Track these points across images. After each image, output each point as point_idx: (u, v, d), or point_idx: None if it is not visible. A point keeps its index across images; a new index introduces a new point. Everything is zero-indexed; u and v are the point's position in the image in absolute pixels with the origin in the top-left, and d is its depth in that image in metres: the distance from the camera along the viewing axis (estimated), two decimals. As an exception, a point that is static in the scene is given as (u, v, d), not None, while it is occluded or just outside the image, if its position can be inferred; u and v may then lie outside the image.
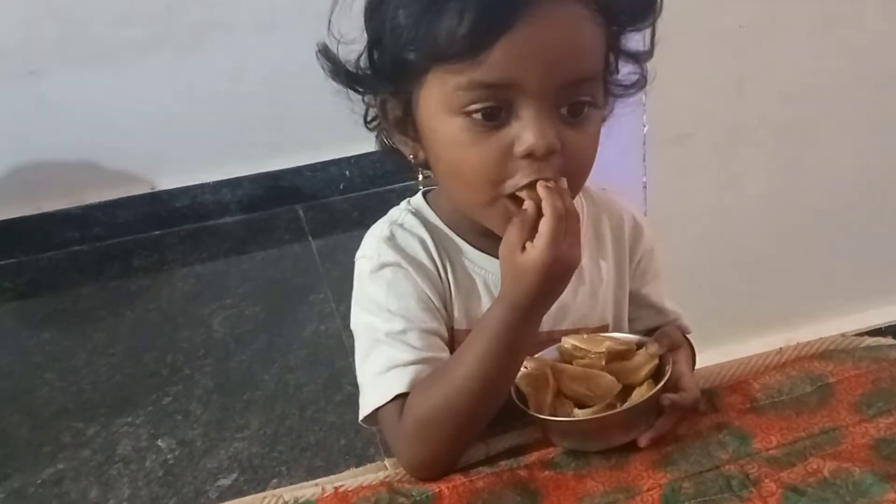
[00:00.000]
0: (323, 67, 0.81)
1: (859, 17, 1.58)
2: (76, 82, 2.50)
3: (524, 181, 0.76)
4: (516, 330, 0.78)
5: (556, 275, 0.75)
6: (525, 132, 0.74)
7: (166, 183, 2.71)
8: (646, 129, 1.54)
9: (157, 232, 2.70)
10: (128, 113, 2.54)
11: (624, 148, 1.55)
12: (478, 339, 0.79)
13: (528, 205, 0.76)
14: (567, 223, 0.74)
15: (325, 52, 0.80)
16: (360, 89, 0.82)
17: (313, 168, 2.77)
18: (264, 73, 2.54)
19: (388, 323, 0.84)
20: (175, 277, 2.52)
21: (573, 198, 0.78)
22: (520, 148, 0.74)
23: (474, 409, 0.79)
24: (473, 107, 0.74)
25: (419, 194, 0.92)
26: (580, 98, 0.76)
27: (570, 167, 0.77)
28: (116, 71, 2.51)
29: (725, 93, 1.57)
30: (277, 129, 2.65)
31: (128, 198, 2.68)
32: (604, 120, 0.83)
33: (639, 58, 0.82)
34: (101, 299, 2.44)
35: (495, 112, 0.74)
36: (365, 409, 0.85)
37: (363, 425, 0.87)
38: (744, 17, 1.52)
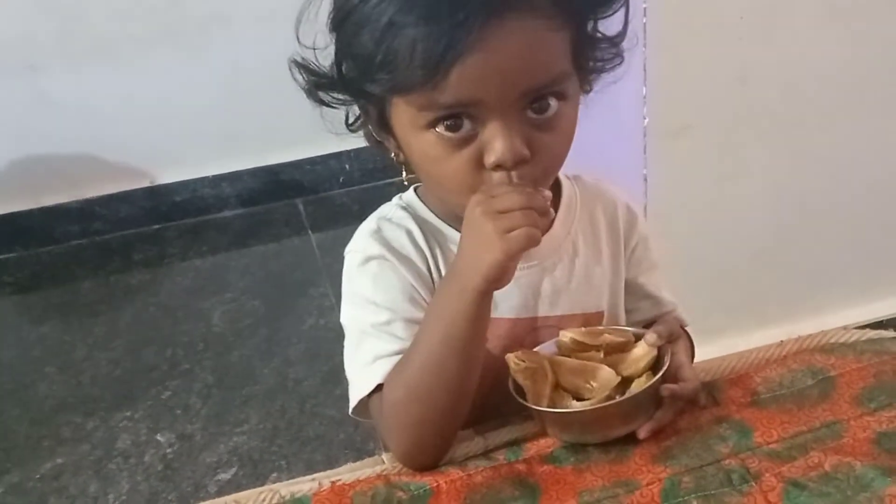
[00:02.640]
0: (298, 82, 0.82)
1: (862, 7, 1.57)
2: (76, 77, 2.50)
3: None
4: (464, 296, 0.77)
5: (518, 254, 0.75)
6: (492, 143, 0.74)
7: (166, 177, 2.71)
8: (646, 121, 1.53)
9: (157, 226, 2.70)
10: (127, 107, 2.54)
11: (624, 140, 1.54)
12: (427, 317, 0.81)
13: (496, 177, 0.76)
14: (532, 210, 0.74)
15: (298, 65, 0.81)
16: (338, 98, 0.82)
17: (313, 162, 2.77)
18: (263, 66, 2.51)
19: (374, 315, 0.86)
20: (175, 271, 2.52)
21: (549, 182, 0.81)
22: (489, 160, 0.75)
23: (438, 387, 0.79)
24: (438, 122, 0.75)
25: (411, 189, 0.93)
26: (545, 98, 0.76)
27: (543, 168, 0.78)
28: (116, 65, 2.51)
29: (727, 85, 1.56)
30: (277, 123, 2.63)
31: (127, 192, 2.68)
32: (586, 93, 0.84)
33: (612, 41, 0.82)
34: (100, 293, 2.44)
35: (459, 124, 0.75)
36: (352, 400, 0.86)
37: (354, 417, 0.88)
38: (745, 8, 1.51)
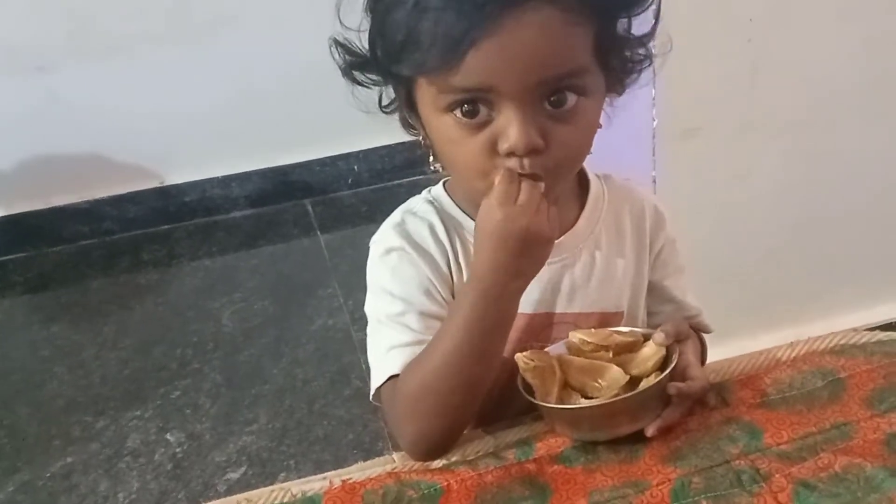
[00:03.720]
0: (336, 60, 0.83)
1: (871, 9, 1.56)
2: (85, 77, 2.50)
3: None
4: (485, 303, 0.79)
5: (520, 247, 0.76)
6: (507, 130, 0.75)
7: (175, 177, 2.72)
8: (655, 122, 1.53)
9: (167, 226, 2.71)
10: (137, 108, 2.54)
11: (634, 142, 1.54)
12: (452, 314, 0.82)
13: (504, 175, 0.77)
14: (541, 201, 0.76)
15: (338, 44, 0.83)
16: (371, 79, 0.83)
17: (322, 163, 2.78)
18: (273, 67, 2.54)
19: (390, 305, 0.87)
20: (184, 272, 2.52)
21: (565, 181, 0.82)
22: (503, 146, 0.76)
23: (456, 383, 0.80)
24: (456, 106, 0.77)
25: (440, 184, 0.94)
26: (562, 92, 0.76)
27: (556, 160, 0.78)
28: (125, 66, 2.51)
29: (736, 86, 1.56)
30: (286, 124, 2.65)
31: (137, 192, 2.69)
32: (612, 99, 0.85)
33: (640, 41, 0.82)
34: (110, 293, 2.45)
35: (475, 109, 0.76)
36: (372, 388, 0.88)
37: (374, 403, 0.89)
38: (755, 9, 1.51)
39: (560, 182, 0.81)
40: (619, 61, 0.82)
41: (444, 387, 0.80)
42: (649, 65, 0.84)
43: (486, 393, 0.84)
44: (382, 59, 0.79)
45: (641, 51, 0.83)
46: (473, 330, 0.79)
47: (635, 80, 0.85)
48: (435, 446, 0.83)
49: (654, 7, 0.80)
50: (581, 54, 0.76)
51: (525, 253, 0.77)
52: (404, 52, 0.76)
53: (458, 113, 0.77)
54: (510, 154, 0.76)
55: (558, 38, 0.74)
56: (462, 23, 0.71)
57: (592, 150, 0.89)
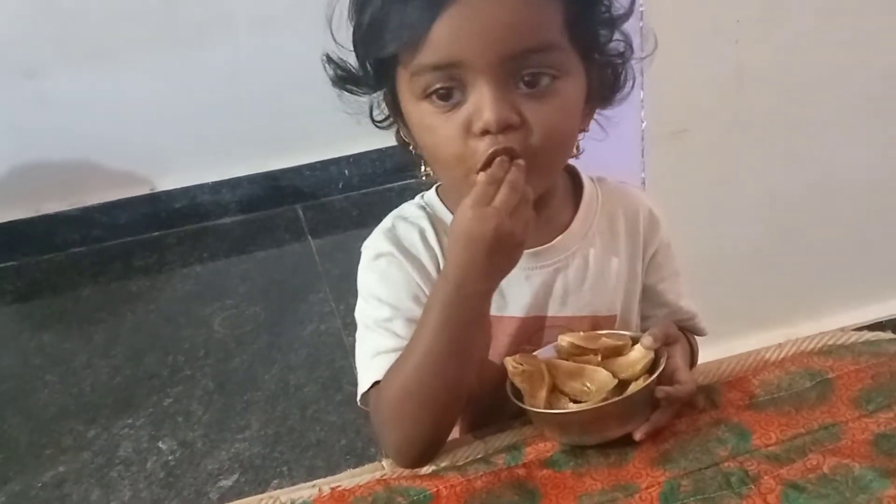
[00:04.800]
0: (328, 75, 0.84)
1: (858, 10, 1.57)
2: (74, 81, 2.50)
3: (484, 157, 0.76)
4: (455, 303, 0.78)
5: (487, 248, 0.75)
6: (480, 109, 0.75)
7: (166, 183, 2.71)
8: (644, 124, 1.53)
9: (157, 233, 2.71)
10: (127, 114, 2.54)
11: (623, 143, 1.55)
12: (424, 315, 0.81)
13: (481, 177, 0.76)
14: (519, 199, 0.75)
15: (330, 60, 0.83)
16: (362, 90, 0.84)
17: (312, 167, 2.78)
18: (263, 72, 2.54)
19: (378, 310, 0.87)
20: (175, 278, 2.52)
21: (549, 169, 0.80)
22: (476, 125, 0.76)
23: (433, 385, 0.80)
24: (429, 90, 0.77)
25: (433, 189, 0.94)
26: (534, 69, 0.76)
27: (535, 140, 0.77)
28: (114, 70, 2.51)
29: (723, 88, 1.57)
30: (276, 129, 2.64)
31: (127, 199, 2.69)
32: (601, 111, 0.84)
33: (612, 23, 0.82)
34: (101, 301, 2.45)
35: (449, 92, 0.76)
36: (358, 393, 0.88)
37: (362, 407, 0.89)
38: (742, 11, 1.51)
39: (542, 174, 0.80)
40: (597, 48, 0.81)
41: (422, 389, 0.80)
42: (630, 59, 0.84)
43: (472, 397, 0.84)
44: (362, 52, 0.80)
45: (619, 38, 0.83)
46: (444, 330, 0.79)
47: (623, 89, 0.85)
48: (419, 452, 0.83)
49: None
50: (550, 30, 0.76)
51: (493, 254, 0.76)
52: (378, 35, 0.77)
53: (434, 97, 0.77)
54: (485, 132, 0.76)
55: (523, 11, 0.74)
56: None
57: (581, 152, 0.89)
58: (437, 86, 0.76)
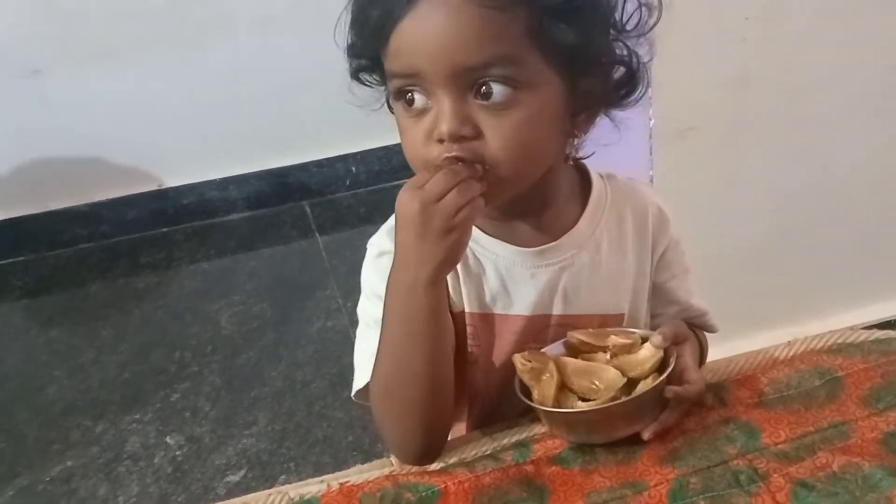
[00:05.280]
0: (349, 67, 0.85)
1: (865, 10, 1.56)
2: (82, 81, 2.50)
3: (438, 161, 0.77)
4: (403, 294, 0.79)
5: (416, 231, 0.76)
6: (438, 118, 0.76)
7: (173, 180, 2.71)
8: (652, 123, 1.53)
9: (165, 229, 2.71)
10: (134, 110, 2.54)
11: (631, 142, 1.53)
12: (386, 315, 0.82)
13: (436, 150, 0.77)
14: (459, 188, 0.75)
15: (350, 49, 0.84)
16: (376, 80, 0.85)
17: (319, 164, 2.77)
18: (270, 69, 2.54)
19: (377, 309, 0.86)
20: (182, 274, 2.52)
21: (515, 180, 0.79)
22: (434, 132, 0.77)
23: (404, 381, 0.81)
24: (400, 94, 0.78)
25: None
26: (490, 81, 0.75)
27: (492, 151, 0.76)
28: (121, 68, 2.51)
29: (731, 86, 1.56)
30: (284, 126, 2.64)
31: (135, 195, 2.69)
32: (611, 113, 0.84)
33: (589, 34, 0.78)
34: (108, 297, 2.45)
35: (412, 98, 0.77)
36: (353, 388, 0.89)
37: (356, 400, 0.90)
38: (750, 9, 1.51)
39: (506, 183, 0.78)
40: (576, 59, 0.78)
41: (396, 385, 0.81)
42: (636, 59, 0.82)
43: (481, 394, 0.84)
44: (351, 53, 0.82)
45: (610, 48, 0.80)
46: (400, 323, 0.80)
47: (635, 92, 0.83)
48: (418, 448, 0.83)
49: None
50: (506, 43, 0.74)
51: (423, 238, 0.76)
52: (356, 37, 0.80)
53: (403, 101, 0.78)
54: (441, 140, 0.76)
55: (474, 23, 0.73)
56: (388, 7, 0.74)
57: (590, 152, 0.89)
58: (405, 92, 0.78)
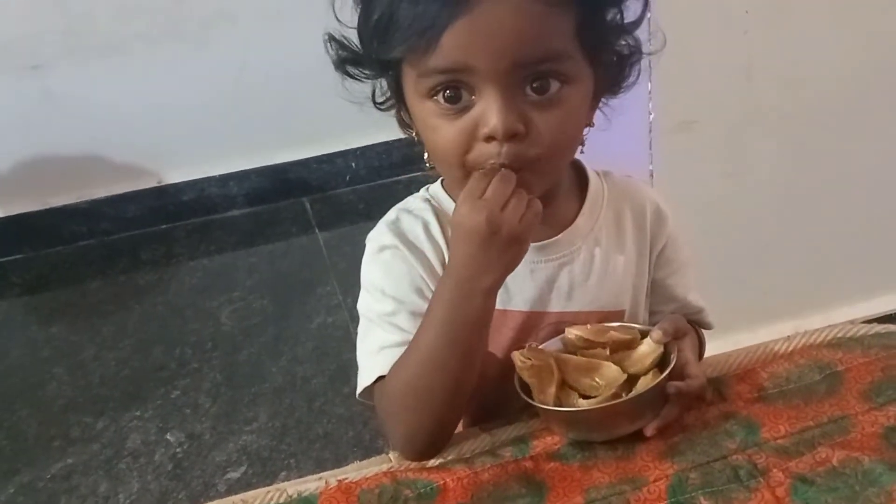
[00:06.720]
0: (330, 55, 0.83)
1: (868, 3, 1.56)
2: (81, 76, 2.50)
3: (487, 164, 0.77)
4: (458, 301, 0.78)
5: (482, 242, 0.75)
6: (487, 115, 0.75)
7: (173, 176, 2.71)
8: (652, 116, 1.53)
9: (165, 226, 2.70)
10: (134, 107, 2.54)
11: (630, 135, 1.54)
12: (429, 310, 0.81)
13: (477, 173, 0.77)
14: (517, 195, 0.75)
15: (332, 39, 0.83)
16: (364, 73, 0.83)
17: (319, 160, 2.77)
18: (270, 65, 2.54)
19: (381, 304, 0.87)
20: (182, 271, 2.52)
21: (550, 175, 0.80)
22: (483, 130, 0.76)
23: (437, 380, 0.80)
24: (435, 91, 0.77)
25: (438, 181, 0.93)
26: (544, 77, 0.76)
27: (537, 149, 0.77)
28: (122, 64, 2.51)
29: (732, 79, 1.56)
30: (284, 122, 2.64)
31: (135, 192, 2.68)
32: (608, 100, 0.84)
33: (625, 30, 0.82)
34: (108, 293, 2.45)
35: (456, 95, 0.76)
36: (359, 386, 0.88)
37: (361, 399, 0.89)
38: (751, 2, 1.50)
39: (545, 176, 0.80)
40: (606, 52, 0.81)
41: (426, 385, 0.80)
42: (639, 59, 0.83)
43: (478, 391, 0.84)
44: (367, 45, 0.80)
45: (629, 41, 0.82)
46: (448, 326, 0.79)
47: (629, 80, 0.84)
48: (424, 445, 0.83)
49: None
50: (560, 39, 0.76)
51: (489, 247, 0.76)
52: (386, 35, 0.76)
53: (440, 98, 0.77)
54: (489, 139, 0.76)
55: (535, 20, 0.74)
56: (439, 2, 0.72)
57: (588, 145, 0.88)
58: (447, 88, 0.76)
